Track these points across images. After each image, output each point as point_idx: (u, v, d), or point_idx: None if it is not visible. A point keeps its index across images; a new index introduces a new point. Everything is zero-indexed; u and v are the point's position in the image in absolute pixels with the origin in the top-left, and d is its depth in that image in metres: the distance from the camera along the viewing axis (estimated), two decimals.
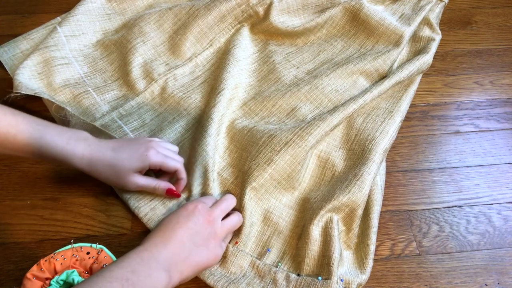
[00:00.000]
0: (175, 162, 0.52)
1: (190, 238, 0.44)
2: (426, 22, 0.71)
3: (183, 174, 0.53)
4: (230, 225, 0.49)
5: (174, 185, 0.53)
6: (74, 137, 0.49)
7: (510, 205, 0.57)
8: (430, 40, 0.68)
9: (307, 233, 0.50)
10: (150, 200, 0.53)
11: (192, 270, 0.44)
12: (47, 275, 0.46)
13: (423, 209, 0.56)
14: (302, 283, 0.48)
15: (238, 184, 0.55)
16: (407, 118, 0.64)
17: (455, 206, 0.57)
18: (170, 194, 0.53)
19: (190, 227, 0.45)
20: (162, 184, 0.52)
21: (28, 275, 0.46)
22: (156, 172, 0.55)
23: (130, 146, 0.51)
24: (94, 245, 0.50)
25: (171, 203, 0.53)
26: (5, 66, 0.66)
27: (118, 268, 0.39)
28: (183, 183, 0.54)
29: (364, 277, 0.49)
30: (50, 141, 0.47)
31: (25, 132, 0.46)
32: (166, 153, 0.52)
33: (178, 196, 0.53)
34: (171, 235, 0.44)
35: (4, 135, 0.45)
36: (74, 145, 0.48)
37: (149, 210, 0.53)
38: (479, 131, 0.64)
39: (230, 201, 0.52)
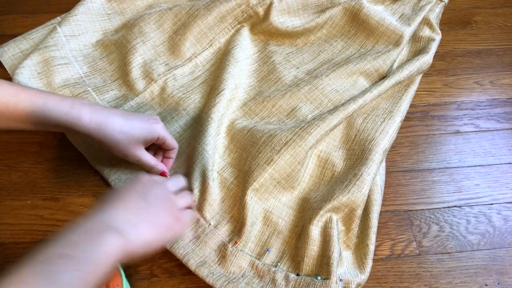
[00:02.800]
0: (175, 141, 0.55)
1: (139, 197, 0.41)
2: (426, 22, 0.71)
3: (175, 155, 0.56)
4: (178, 183, 0.48)
5: (167, 162, 0.56)
6: (78, 102, 0.48)
7: (510, 205, 0.57)
8: (430, 40, 0.68)
9: (307, 233, 0.50)
10: None
11: (154, 229, 0.39)
12: None
13: (423, 209, 0.56)
14: (301, 283, 0.48)
15: (238, 184, 0.55)
16: (407, 118, 0.64)
17: (455, 206, 0.57)
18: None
19: (136, 190, 0.41)
20: (159, 166, 0.54)
21: None
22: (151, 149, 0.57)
23: (140, 116, 0.52)
24: None
25: None
26: (5, 66, 0.66)
27: (53, 247, 0.32)
28: (171, 162, 0.57)
29: (363, 277, 0.49)
30: (52, 106, 0.46)
31: (26, 100, 0.45)
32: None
33: None
34: (117, 199, 0.40)
35: (5, 104, 0.44)
36: (79, 109, 0.47)
37: None
38: (479, 131, 0.64)
39: (181, 181, 0.50)
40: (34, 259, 0.31)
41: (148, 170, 0.54)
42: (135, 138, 0.50)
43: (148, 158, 0.53)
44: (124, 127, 0.49)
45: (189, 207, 0.48)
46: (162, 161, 0.56)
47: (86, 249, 0.32)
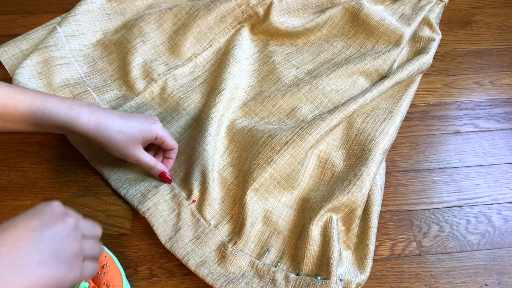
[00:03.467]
0: (175, 141, 0.55)
1: (30, 241, 0.31)
2: (426, 22, 0.71)
3: (175, 155, 0.56)
4: (94, 230, 0.38)
5: (167, 162, 0.56)
6: (77, 103, 0.48)
7: (510, 205, 0.57)
8: (430, 40, 0.68)
9: (307, 233, 0.50)
10: (154, 195, 0.53)
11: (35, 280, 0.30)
12: None
13: (423, 209, 0.56)
14: (301, 283, 0.47)
15: (238, 184, 0.55)
16: (407, 118, 0.64)
17: (455, 206, 0.57)
18: (162, 177, 0.54)
19: (33, 228, 0.31)
20: (159, 166, 0.54)
21: None
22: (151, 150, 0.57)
23: (138, 116, 0.52)
24: None
25: (173, 202, 0.53)
26: (5, 66, 0.66)
27: None
28: (172, 162, 0.56)
29: (363, 277, 0.49)
30: (52, 107, 0.46)
31: (25, 101, 0.45)
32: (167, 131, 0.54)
33: (169, 181, 0.55)
34: (5, 232, 0.30)
35: (4, 106, 0.44)
36: (79, 110, 0.47)
37: (151, 205, 0.53)
38: (479, 131, 0.64)
39: (97, 229, 0.39)
40: None
41: (148, 170, 0.54)
42: (133, 138, 0.50)
43: (147, 158, 0.53)
44: (122, 127, 0.49)
45: (94, 259, 0.38)
46: (162, 161, 0.56)
47: None
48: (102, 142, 0.49)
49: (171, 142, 0.54)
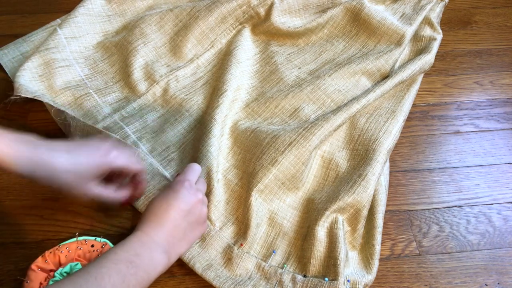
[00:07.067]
0: (138, 164, 0.50)
1: (183, 218, 0.45)
2: (427, 21, 0.71)
3: (145, 176, 0.52)
4: (204, 186, 0.52)
5: (137, 186, 0.51)
6: (18, 140, 0.42)
7: (510, 205, 0.57)
8: (432, 39, 0.68)
9: (313, 234, 0.50)
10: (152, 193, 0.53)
11: (187, 247, 0.46)
12: (52, 267, 0.47)
13: (423, 209, 0.57)
14: (309, 285, 0.47)
15: (242, 186, 0.55)
16: (407, 118, 0.64)
17: (455, 206, 0.57)
18: (125, 206, 0.53)
19: (182, 209, 0.45)
20: (119, 195, 0.49)
21: (33, 266, 0.47)
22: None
23: (88, 148, 0.45)
24: (98, 239, 0.51)
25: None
26: (5, 69, 0.65)
27: (122, 251, 0.40)
28: (144, 184, 0.52)
29: (370, 278, 0.49)
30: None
31: None
32: (125, 153, 0.48)
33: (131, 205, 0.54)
34: (165, 217, 0.44)
35: None
36: (16, 148, 0.41)
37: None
38: (479, 131, 0.64)
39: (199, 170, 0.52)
40: (108, 258, 0.38)
41: (109, 202, 0.49)
42: (84, 176, 0.44)
43: (103, 193, 0.47)
44: (68, 166, 0.43)
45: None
46: (138, 185, 0.51)
47: (143, 261, 0.40)
48: (46, 182, 0.43)
49: (133, 167, 0.49)
